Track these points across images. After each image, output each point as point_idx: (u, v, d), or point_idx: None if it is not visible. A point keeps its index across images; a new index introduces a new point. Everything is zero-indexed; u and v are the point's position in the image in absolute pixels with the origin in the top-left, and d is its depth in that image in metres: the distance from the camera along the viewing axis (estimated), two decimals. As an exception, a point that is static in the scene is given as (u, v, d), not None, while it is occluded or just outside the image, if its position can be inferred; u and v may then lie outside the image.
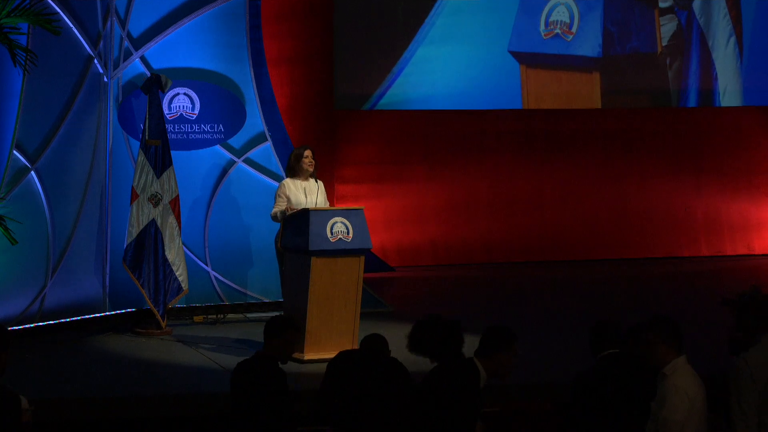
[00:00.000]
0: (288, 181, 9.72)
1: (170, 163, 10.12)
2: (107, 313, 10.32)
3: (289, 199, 9.60)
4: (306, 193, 9.68)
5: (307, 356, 8.86)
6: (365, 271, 9.18)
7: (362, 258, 9.09)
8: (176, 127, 10.59)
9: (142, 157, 10.07)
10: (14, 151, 9.61)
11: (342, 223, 8.98)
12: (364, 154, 13.93)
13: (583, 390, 6.09)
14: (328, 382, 6.59)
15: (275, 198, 9.71)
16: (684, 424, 5.49)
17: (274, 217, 9.60)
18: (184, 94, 10.63)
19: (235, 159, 10.91)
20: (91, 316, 10.20)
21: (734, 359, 5.80)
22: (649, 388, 5.83)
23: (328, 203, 9.85)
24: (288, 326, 6.47)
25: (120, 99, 10.41)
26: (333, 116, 13.69)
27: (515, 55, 14.18)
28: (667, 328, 5.67)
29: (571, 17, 14.30)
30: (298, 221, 9.08)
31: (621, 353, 6.13)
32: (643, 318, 6.18)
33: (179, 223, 10.16)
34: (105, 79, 10.31)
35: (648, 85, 14.73)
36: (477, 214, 14.34)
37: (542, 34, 14.25)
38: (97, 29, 10.24)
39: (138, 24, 10.50)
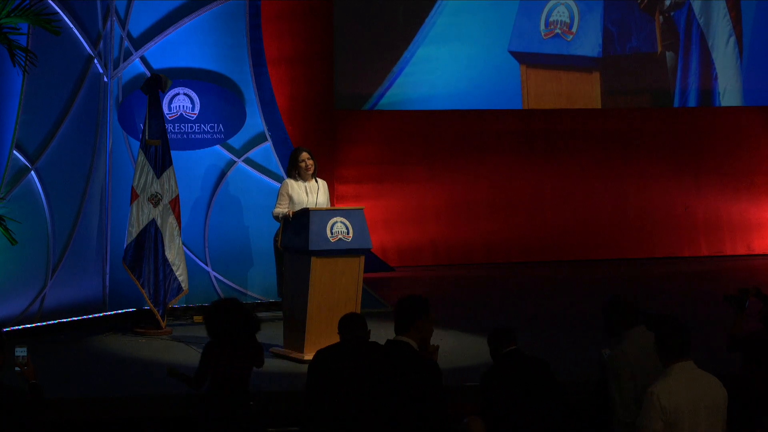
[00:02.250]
0: (290, 180, 9.76)
1: (170, 163, 10.13)
2: (107, 313, 10.32)
3: (291, 198, 9.62)
4: (307, 192, 9.69)
5: (307, 356, 8.85)
6: (365, 271, 9.18)
7: (362, 258, 9.09)
8: (176, 127, 10.60)
9: (142, 157, 10.07)
10: (14, 151, 9.62)
11: (342, 223, 8.98)
12: (364, 154, 13.93)
13: (492, 386, 6.50)
14: (311, 384, 6.59)
15: (277, 197, 9.73)
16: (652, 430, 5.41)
17: (276, 217, 9.62)
18: (184, 94, 10.63)
19: (235, 159, 10.91)
20: (91, 316, 10.20)
21: (607, 353, 6.26)
22: (546, 375, 6.49)
23: (329, 203, 9.85)
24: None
25: (120, 99, 10.41)
26: (333, 116, 13.69)
27: (515, 55, 14.18)
28: (664, 331, 5.61)
29: (571, 17, 14.31)
30: (298, 221, 9.09)
31: (517, 349, 6.61)
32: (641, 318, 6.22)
33: (179, 223, 10.16)
34: (105, 79, 10.31)
35: (648, 85, 14.74)
36: (477, 214, 14.34)
37: (542, 34, 14.26)
38: (97, 29, 10.25)
39: (138, 24, 10.51)
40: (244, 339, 6.80)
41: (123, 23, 10.44)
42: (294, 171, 9.77)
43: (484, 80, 14.07)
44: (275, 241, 9.75)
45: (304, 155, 9.75)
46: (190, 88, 10.64)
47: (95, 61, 10.21)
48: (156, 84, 10.13)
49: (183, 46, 10.66)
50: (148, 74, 10.36)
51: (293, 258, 9.13)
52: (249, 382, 6.88)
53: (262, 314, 10.72)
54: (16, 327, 9.57)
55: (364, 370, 6.18)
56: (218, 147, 10.83)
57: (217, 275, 10.76)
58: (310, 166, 9.71)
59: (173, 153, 10.19)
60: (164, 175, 10.09)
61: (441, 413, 5.98)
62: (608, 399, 6.12)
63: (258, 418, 7.06)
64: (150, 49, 10.56)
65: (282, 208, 9.59)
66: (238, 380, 6.77)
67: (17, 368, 5.94)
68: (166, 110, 10.40)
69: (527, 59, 14.25)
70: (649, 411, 5.44)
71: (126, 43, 10.45)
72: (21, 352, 6.01)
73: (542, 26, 14.26)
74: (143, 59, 10.54)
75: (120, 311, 10.38)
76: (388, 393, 5.88)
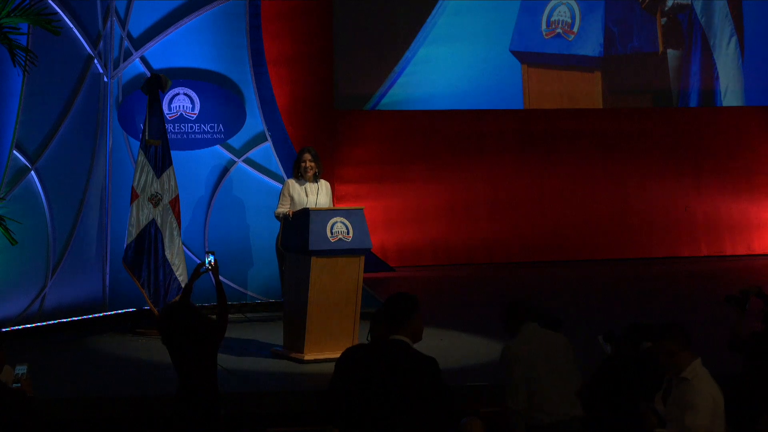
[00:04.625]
0: (292, 181, 9.75)
1: (170, 163, 10.13)
2: (107, 313, 10.32)
3: (292, 198, 9.62)
4: (308, 192, 9.69)
5: (307, 356, 8.86)
6: (365, 271, 9.17)
7: (362, 258, 9.08)
8: (176, 127, 10.60)
9: (142, 157, 10.07)
10: (14, 151, 9.62)
11: (342, 223, 8.97)
12: (364, 154, 13.92)
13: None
14: (336, 380, 6.58)
15: (279, 197, 9.73)
16: (710, 428, 5.53)
17: (278, 217, 9.62)
18: (184, 94, 10.63)
19: (235, 159, 10.92)
20: (91, 316, 10.21)
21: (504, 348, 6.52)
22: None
23: (331, 204, 9.83)
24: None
25: (120, 99, 10.41)
26: (333, 116, 13.69)
27: (517, 54, 14.18)
28: (682, 335, 5.71)
29: (573, 17, 14.30)
30: (299, 221, 9.08)
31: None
32: (639, 318, 6.23)
33: (179, 223, 10.16)
34: (105, 79, 10.31)
35: (649, 84, 14.73)
36: (477, 214, 14.33)
37: (544, 33, 14.25)
38: (97, 29, 10.25)
39: (138, 24, 10.51)
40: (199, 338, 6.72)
41: (123, 23, 10.44)
42: (297, 171, 9.77)
43: (486, 80, 14.07)
44: (277, 241, 9.75)
45: (306, 156, 9.74)
46: (190, 88, 10.65)
47: (95, 61, 10.22)
48: (156, 84, 10.13)
49: (183, 46, 10.67)
50: (148, 74, 10.37)
51: (293, 258, 9.13)
52: (216, 378, 6.84)
53: (262, 314, 10.75)
54: (16, 327, 9.56)
55: (382, 369, 6.17)
56: (218, 147, 10.83)
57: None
58: (310, 168, 9.69)
59: (173, 153, 10.19)
60: (164, 175, 10.09)
61: (446, 410, 5.98)
62: (502, 389, 6.47)
63: (228, 424, 7.04)
64: (150, 49, 10.56)
65: (283, 208, 9.59)
66: (205, 378, 6.70)
67: (16, 384, 5.96)
68: (166, 110, 10.40)
69: (528, 59, 14.24)
70: (706, 409, 5.56)
71: (126, 43, 10.45)
72: (21, 369, 6.04)
73: (543, 26, 14.25)
74: (143, 59, 10.54)
75: (120, 311, 10.38)
76: (398, 392, 5.88)
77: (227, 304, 7.12)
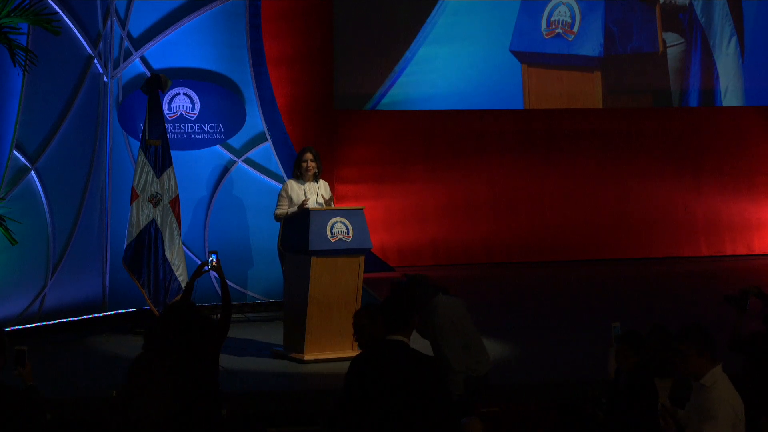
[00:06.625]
0: (291, 182, 9.74)
1: (170, 163, 10.13)
2: (107, 313, 10.32)
3: (291, 199, 9.61)
4: (306, 193, 9.68)
5: (307, 356, 8.87)
6: (365, 271, 9.18)
7: (362, 258, 9.09)
8: (176, 127, 10.60)
9: (142, 157, 10.07)
10: (14, 151, 9.62)
11: (342, 223, 8.98)
12: (364, 154, 13.92)
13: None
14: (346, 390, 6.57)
15: (278, 198, 9.71)
16: None
17: (278, 218, 9.61)
18: (184, 94, 10.64)
19: (235, 159, 10.92)
20: (91, 316, 10.21)
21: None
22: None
23: (332, 202, 9.82)
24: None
25: (120, 99, 10.42)
26: (333, 116, 13.68)
27: (517, 54, 14.18)
28: (700, 338, 5.63)
29: (573, 17, 14.30)
30: (298, 221, 9.08)
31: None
32: (638, 318, 6.22)
33: (179, 223, 10.16)
34: (105, 79, 10.32)
35: (649, 84, 14.73)
36: (477, 214, 14.33)
37: (544, 33, 14.25)
38: (97, 29, 10.25)
39: (138, 24, 10.52)
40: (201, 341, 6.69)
41: (123, 23, 10.44)
42: (297, 171, 9.76)
43: (486, 80, 14.07)
44: (279, 242, 9.73)
45: (307, 156, 9.72)
46: (190, 88, 10.65)
47: (95, 61, 10.22)
48: (156, 84, 10.13)
49: (183, 46, 10.67)
50: (148, 74, 10.37)
51: (293, 258, 9.13)
52: (217, 378, 6.81)
53: (262, 314, 10.76)
54: (16, 327, 9.57)
55: (383, 371, 6.17)
56: (218, 147, 10.84)
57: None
58: (311, 168, 9.68)
59: (173, 153, 10.19)
60: (164, 175, 10.09)
61: (451, 409, 5.98)
62: (441, 358, 6.76)
63: (228, 424, 7.03)
64: (150, 49, 10.57)
65: (282, 209, 9.59)
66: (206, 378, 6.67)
67: (21, 353, 5.95)
68: (166, 110, 10.41)
69: (528, 59, 14.24)
70: (725, 418, 5.51)
71: (126, 43, 10.46)
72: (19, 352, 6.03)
73: (543, 26, 14.25)
74: (143, 59, 10.55)
75: (120, 311, 10.39)
76: (400, 392, 5.88)
77: (231, 304, 7.12)
